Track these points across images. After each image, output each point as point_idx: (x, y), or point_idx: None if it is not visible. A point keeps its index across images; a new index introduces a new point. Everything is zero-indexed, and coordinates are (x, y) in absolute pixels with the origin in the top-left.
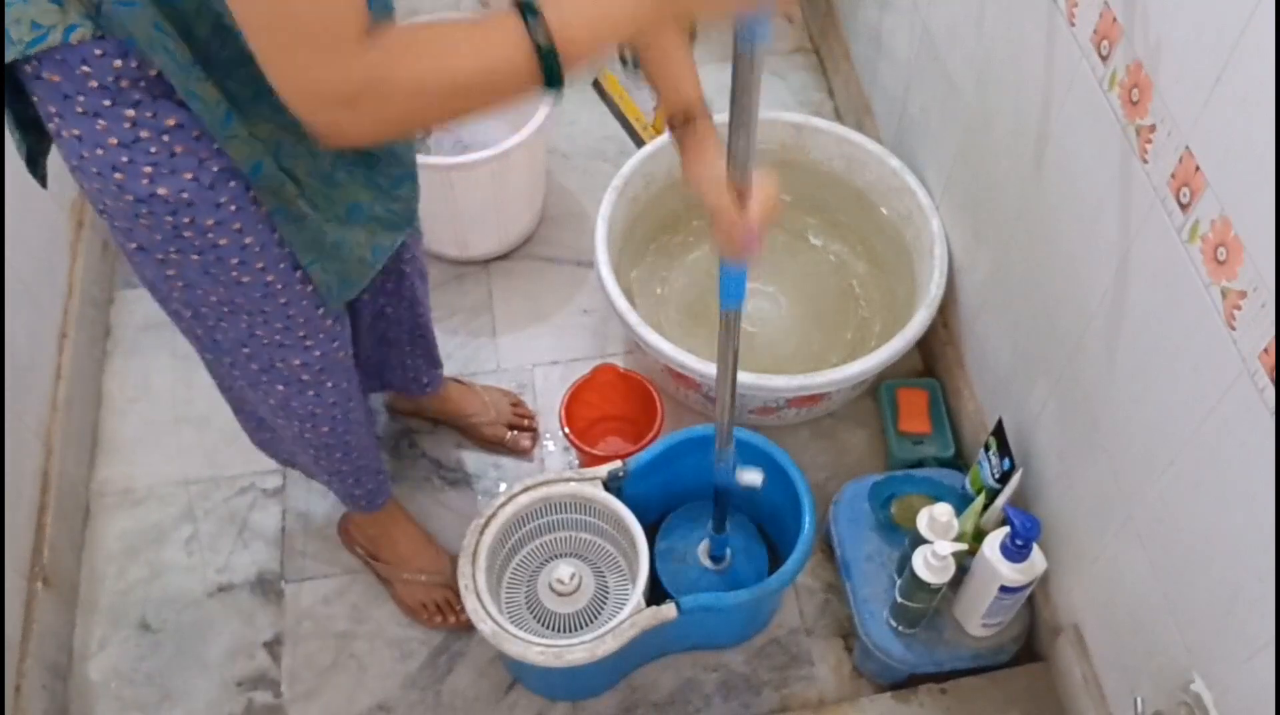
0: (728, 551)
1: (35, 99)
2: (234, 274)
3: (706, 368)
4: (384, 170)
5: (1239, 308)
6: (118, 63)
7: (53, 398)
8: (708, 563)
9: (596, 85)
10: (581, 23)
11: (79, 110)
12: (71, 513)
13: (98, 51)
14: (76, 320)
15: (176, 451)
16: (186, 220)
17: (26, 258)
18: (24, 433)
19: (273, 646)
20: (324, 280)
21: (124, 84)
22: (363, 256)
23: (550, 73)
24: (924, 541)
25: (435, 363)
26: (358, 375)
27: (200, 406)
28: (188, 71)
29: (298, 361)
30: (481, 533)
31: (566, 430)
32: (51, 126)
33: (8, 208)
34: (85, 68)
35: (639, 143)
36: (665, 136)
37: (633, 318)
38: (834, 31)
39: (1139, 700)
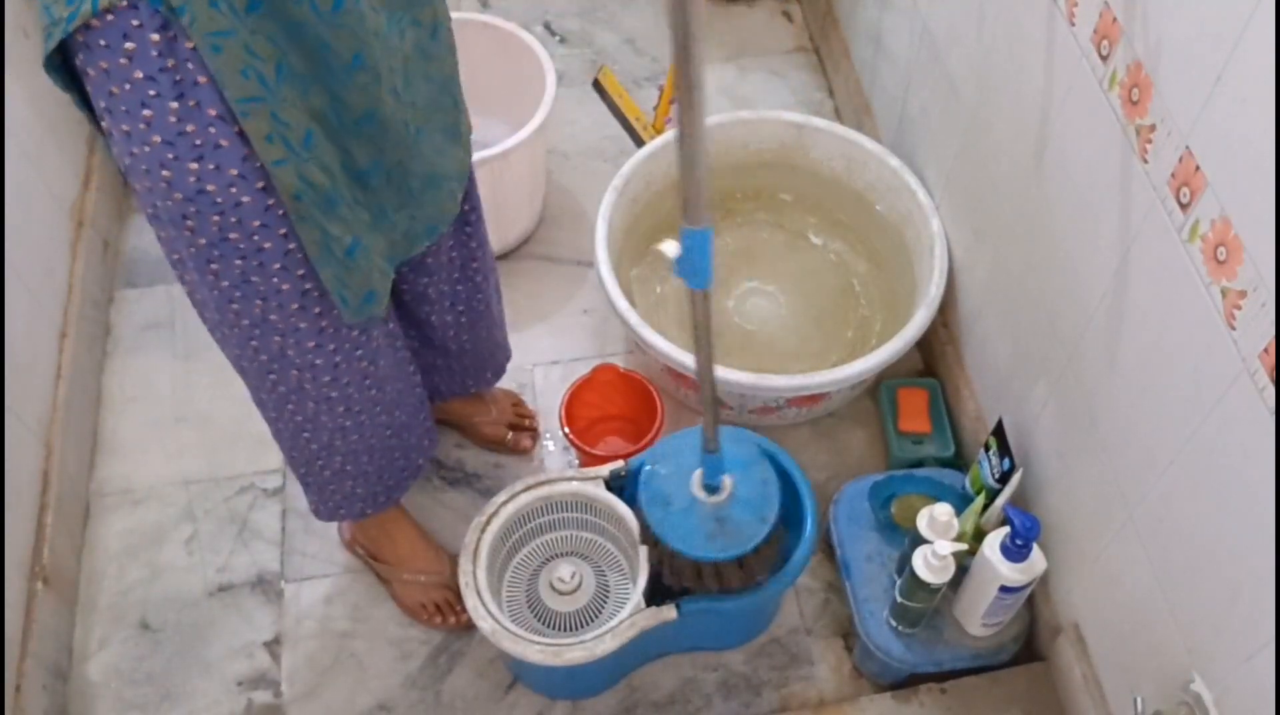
0: (724, 478)
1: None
2: (275, 280)
3: None
4: (415, 171)
5: (1239, 308)
6: (155, 36)
7: (53, 398)
8: (701, 494)
9: (597, 85)
10: None
11: (124, 109)
12: (71, 513)
13: (135, 22)
14: (76, 320)
15: (176, 451)
16: (233, 221)
17: (26, 258)
18: (24, 433)
19: (273, 646)
20: (337, 288)
21: (169, 64)
22: (381, 266)
23: None
24: (924, 541)
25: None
26: (402, 381)
27: (200, 406)
28: (205, 31)
29: (328, 378)
30: (483, 531)
31: (566, 430)
32: (105, 125)
33: (8, 208)
34: (129, 44)
35: (639, 143)
36: (664, 136)
37: (633, 318)
38: (834, 31)
39: (1139, 700)
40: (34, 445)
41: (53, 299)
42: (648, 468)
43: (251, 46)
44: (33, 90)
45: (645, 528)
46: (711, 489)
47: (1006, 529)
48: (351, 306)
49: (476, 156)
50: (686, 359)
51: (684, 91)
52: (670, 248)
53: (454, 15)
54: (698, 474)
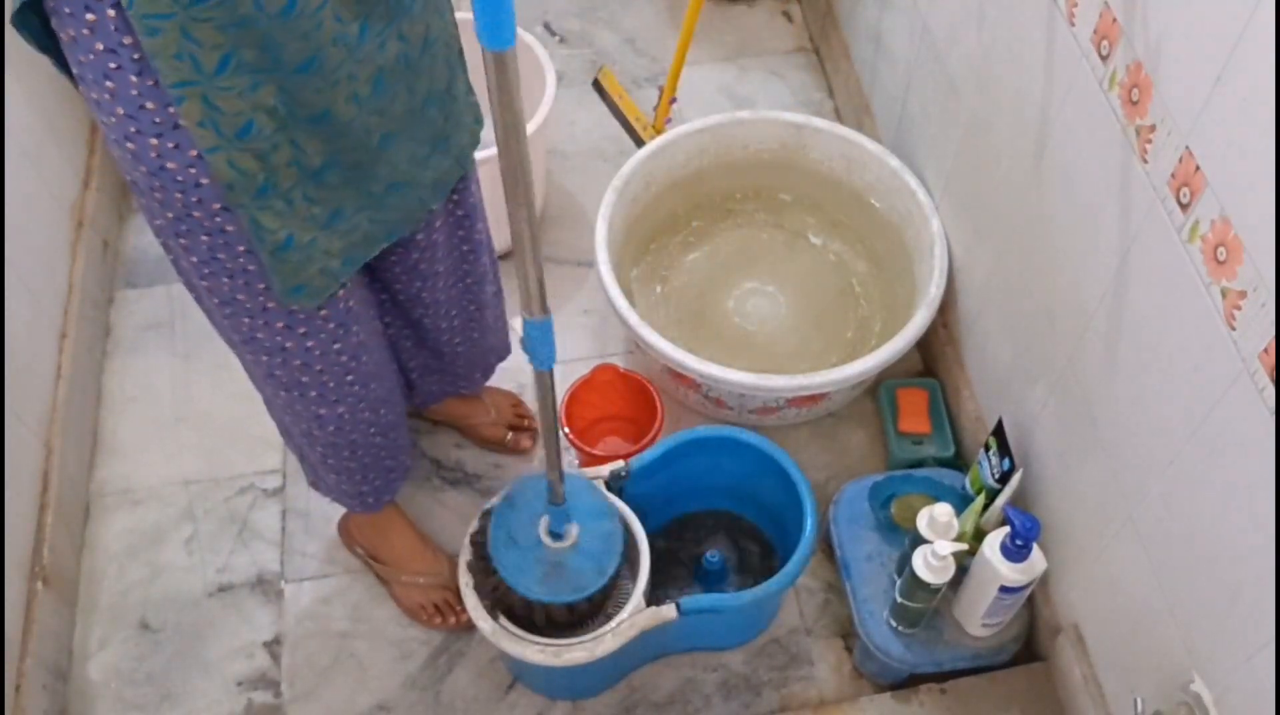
0: (569, 527)
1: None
2: (240, 261)
3: (706, 368)
4: (378, 175)
5: (1239, 308)
6: (111, 11)
7: (53, 398)
8: (548, 540)
9: (596, 85)
10: None
11: (91, 77)
12: (71, 513)
13: None
14: (76, 320)
15: (176, 451)
16: (195, 200)
17: (26, 258)
18: (24, 433)
19: (273, 646)
20: (268, 273)
21: (127, 40)
22: (327, 266)
23: None
24: (924, 541)
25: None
26: (388, 380)
27: (200, 406)
28: (142, 13)
29: (298, 362)
30: None
31: (566, 430)
32: (80, 89)
33: (8, 208)
34: (90, 15)
35: (639, 143)
36: (664, 136)
37: (633, 318)
38: (834, 31)
39: (1139, 700)
40: (34, 445)
41: (53, 299)
42: (504, 502)
43: (191, 32)
44: (33, 90)
45: (487, 557)
46: (556, 535)
47: (1006, 529)
48: (278, 291)
49: (476, 156)
50: (686, 359)
51: (514, 204)
52: (519, 326)
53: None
54: (544, 522)
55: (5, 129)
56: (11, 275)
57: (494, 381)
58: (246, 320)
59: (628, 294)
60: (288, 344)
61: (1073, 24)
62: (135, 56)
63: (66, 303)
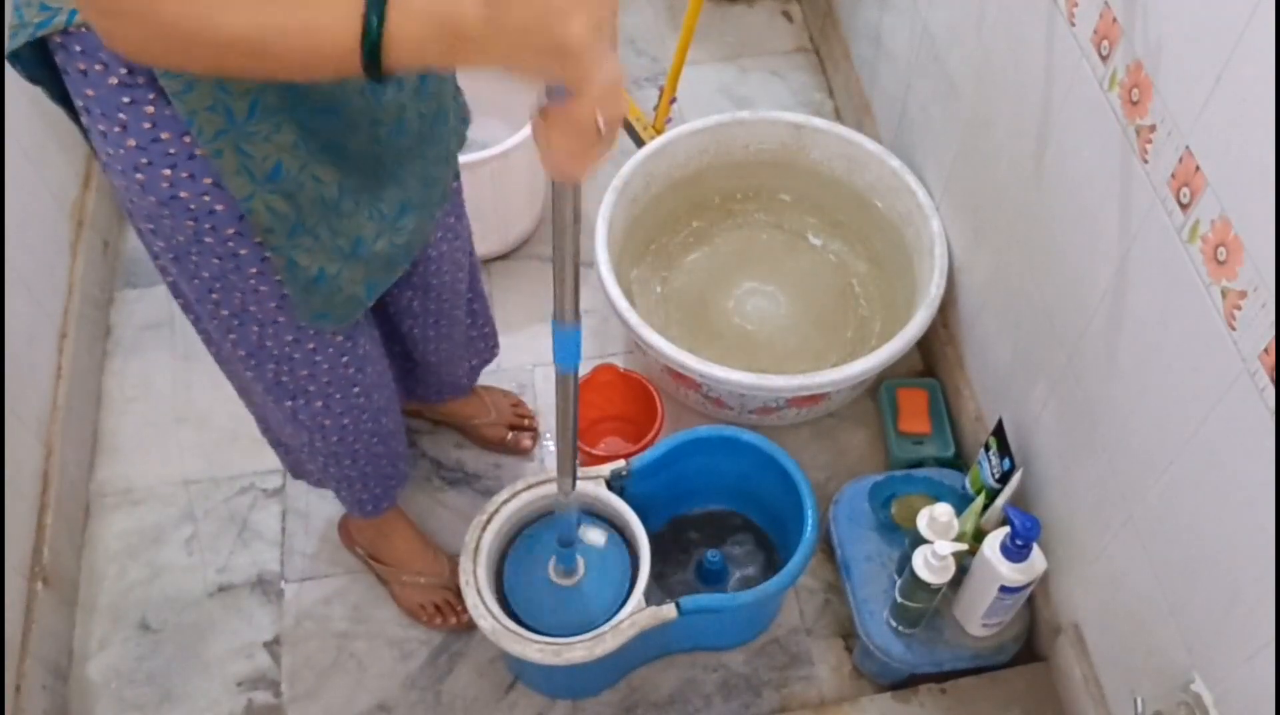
0: (579, 563)
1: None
2: (251, 282)
3: (706, 368)
4: (386, 197)
5: (1239, 308)
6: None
7: (53, 398)
8: (557, 578)
9: None
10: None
11: (100, 110)
12: (71, 513)
13: None
14: (76, 320)
15: (176, 451)
16: (208, 227)
17: (26, 258)
18: (24, 433)
19: (273, 646)
20: (294, 300)
21: (140, 80)
22: (354, 293)
23: (372, 56)
24: (924, 541)
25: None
26: (387, 388)
27: (200, 406)
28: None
29: (305, 372)
30: (483, 530)
31: None
32: (84, 120)
33: (8, 208)
34: (104, 53)
35: (639, 143)
36: (664, 136)
37: (633, 318)
38: (834, 31)
39: (1139, 700)
40: (34, 445)
41: (53, 299)
42: (516, 548)
43: (224, 82)
44: (33, 90)
45: (504, 597)
46: (564, 572)
47: (1006, 529)
48: (304, 318)
49: (476, 156)
50: (686, 359)
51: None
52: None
53: None
54: (554, 561)
55: (5, 129)
56: (11, 275)
57: (494, 382)
58: (256, 328)
59: (628, 294)
60: (296, 355)
61: (1073, 24)
62: (151, 95)
63: (66, 303)
